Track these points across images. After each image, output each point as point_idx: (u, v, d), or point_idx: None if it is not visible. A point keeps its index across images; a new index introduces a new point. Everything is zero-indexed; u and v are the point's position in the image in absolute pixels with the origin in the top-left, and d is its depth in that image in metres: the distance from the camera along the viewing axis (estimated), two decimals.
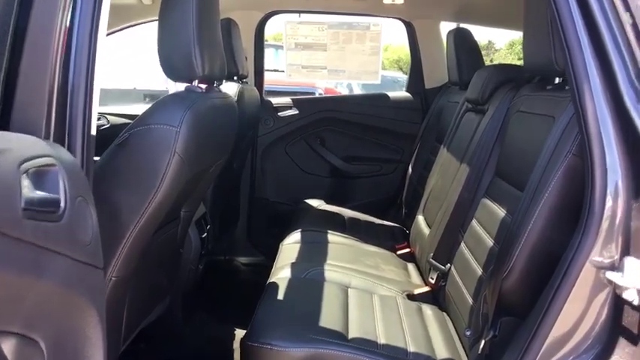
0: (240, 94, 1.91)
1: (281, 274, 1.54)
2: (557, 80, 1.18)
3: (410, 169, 2.41)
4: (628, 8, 0.77)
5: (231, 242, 2.61)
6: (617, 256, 0.82)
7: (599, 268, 0.82)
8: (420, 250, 1.74)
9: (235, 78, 2.03)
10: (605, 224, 0.81)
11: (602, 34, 0.78)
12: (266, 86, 2.66)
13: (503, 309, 1.02)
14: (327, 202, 2.39)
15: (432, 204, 1.79)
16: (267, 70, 5.37)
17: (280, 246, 1.90)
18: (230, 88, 1.92)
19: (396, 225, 2.30)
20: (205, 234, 1.79)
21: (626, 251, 0.81)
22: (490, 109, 1.51)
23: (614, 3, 0.78)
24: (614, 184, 0.80)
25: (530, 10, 1.21)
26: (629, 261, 0.80)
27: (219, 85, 2.07)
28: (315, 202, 2.35)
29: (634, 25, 0.77)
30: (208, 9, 1.18)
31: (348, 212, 2.31)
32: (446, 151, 1.84)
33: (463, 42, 2.02)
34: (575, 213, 0.87)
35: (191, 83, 1.18)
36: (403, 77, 11.97)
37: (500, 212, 1.21)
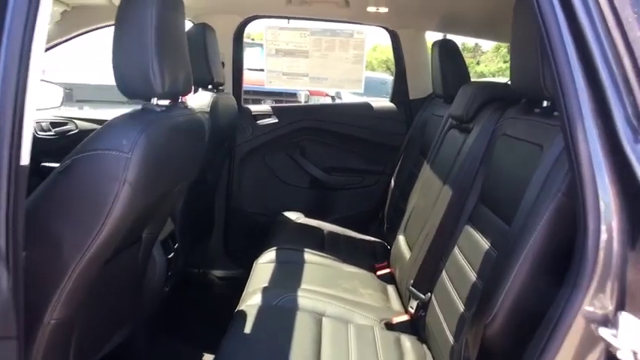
0: (214, 103, 1.80)
1: (251, 301, 1.44)
2: (545, 104, 1.10)
3: (392, 182, 2.34)
4: (626, 40, 0.69)
5: (206, 255, 2.51)
6: (611, 309, 0.74)
7: (591, 321, 0.75)
8: (400, 274, 1.66)
9: (210, 86, 1.93)
10: (598, 275, 0.73)
11: (598, 68, 0.70)
12: (251, 86, 2.54)
13: (486, 356, 0.94)
14: (307, 215, 2.30)
15: (413, 225, 1.72)
16: (254, 70, 5.26)
17: (254, 265, 1.81)
18: (203, 98, 1.81)
19: (377, 240, 2.22)
20: (172, 253, 1.69)
21: (621, 306, 0.74)
22: (475, 129, 1.43)
23: (611, 34, 0.70)
24: (609, 232, 0.72)
25: (518, 27, 1.13)
26: (624, 317, 0.72)
27: (195, 92, 1.96)
28: (293, 215, 2.26)
29: (632, 58, 0.69)
30: (171, 17, 1.07)
31: (327, 226, 2.22)
32: (428, 169, 1.76)
33: (448, 54, 1.94)
34: (565, 258, 0.80)
35: (149, 101, 1.07)
36: (391, 79, 11.94)
37: (484, 244, 1.13)
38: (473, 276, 1.12)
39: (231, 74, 2.38)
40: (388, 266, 1.88)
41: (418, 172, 2.01)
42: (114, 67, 1.03)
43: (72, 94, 8.73)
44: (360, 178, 2.53)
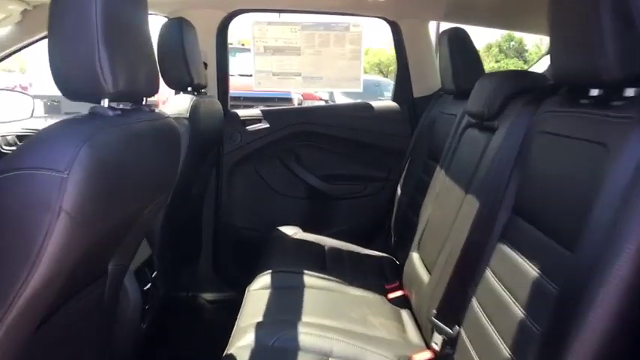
0: (194, 107, 1.57)
1: (243, 341, 1.20)
2: (595, 92, 0.87)
3: (399, 190, 2.11)
4: None
5: (194, 276, 2.27)
6: None
7: None
8: (417, 300, 1.42)
9: (190, 89, 1.69)
10: None
11: None
12: (242, 92, 2.32)
13: None
14: (305, 229, 2.07)
15: (429, 240, 1.48)
16: (245, 75, 5.02)
17: (246, 292, 1.57)
18: (181, 102, 1.58)
19: (384, 255, 1.99)
20: (150, 284, 1.45)
21: None
22: (502, 128, 1.20)
23: None
24: None
25: (558, 1, 0.91)
26: None
27: (178, 92, 1.72)
28: (290, 230, 2.03)
29: None
30: (124, 3, 0.85)
31: (328, 241, 1.99)
32: (444, 175, 1.53)
33: (460, 44, 1.71)
34: None
35: (98, 103, 0.84)
36: (385, 80, 11.61)
37: (529, 269, 0.90)
38: (519, 311, 0.88)
39: (216, 76, 2.15)
40: (400, 287, 1.65)
41: (429, 178, 1.79)
42: (50, 64, 0.81)
43: (60, 107, 8.49)
44: (362, 186, 2.29)
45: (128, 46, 0.86)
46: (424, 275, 1.40)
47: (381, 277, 1.77)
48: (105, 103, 0.84)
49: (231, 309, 1.53)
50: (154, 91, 1.00)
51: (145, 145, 0.96)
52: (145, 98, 1.02)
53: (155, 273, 1.51)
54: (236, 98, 5.82)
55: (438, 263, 1.29)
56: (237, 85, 5.80)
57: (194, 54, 1.70)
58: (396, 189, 2.16)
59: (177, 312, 2.19)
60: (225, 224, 2.26)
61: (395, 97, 2.32)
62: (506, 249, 1.03)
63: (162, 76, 1.67)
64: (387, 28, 2.22)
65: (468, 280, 1.14)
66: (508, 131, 1.15)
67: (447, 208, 1.38)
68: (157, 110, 1.08)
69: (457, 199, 1.32)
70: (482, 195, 1.17)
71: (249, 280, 1.66)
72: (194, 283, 2.29)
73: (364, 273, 1.77)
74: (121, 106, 0.89)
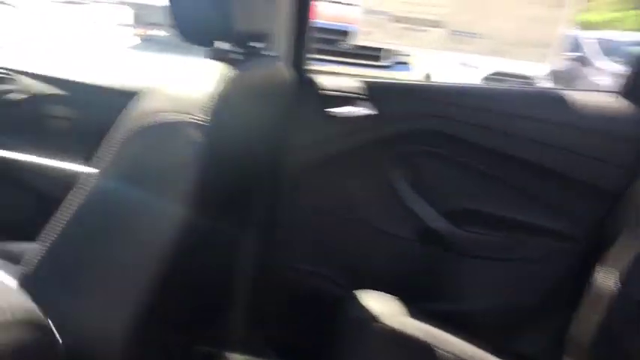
0: (222, 98, 0.65)
1: None
2: None
3: (603, 274, 1.09)
4: None
5: (223, 326, 1.48)
6: None
7: None
8: None
9: (229, 45, 0.76)
10: None
11: None
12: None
13: None
14: (405, 298, 1.17)
15: None
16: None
17: None
18: (194, 85, 0.67)
19: None
20: None
21: None
22: None
23: None
24: None
25: None
26: None
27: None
28: (380, 303, 1.14)
29: None
30: None
31: (444, 341, 1.07)
32: None
33: None
34: None
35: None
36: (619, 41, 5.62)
37: None
38: None
39: (291, 11, 1.18)
40: None
41: None
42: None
43: (144, 17, 7.98)
44: (517, 240, 1.28)
45: None
46: None
47: None
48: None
49: None
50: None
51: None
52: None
53: None
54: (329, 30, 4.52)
55: None
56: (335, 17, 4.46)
57: None
58: (590, 263, 1.15)
59: None
60: (276, 260, 1.40)
61: (627, 89, 1.20)
62: None
63: (177, 26, 0.76)
64: None
65: None
66: None
67: None
68: None
69: None
70: None
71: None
72: (221, 336, 1.50)
73: None
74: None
